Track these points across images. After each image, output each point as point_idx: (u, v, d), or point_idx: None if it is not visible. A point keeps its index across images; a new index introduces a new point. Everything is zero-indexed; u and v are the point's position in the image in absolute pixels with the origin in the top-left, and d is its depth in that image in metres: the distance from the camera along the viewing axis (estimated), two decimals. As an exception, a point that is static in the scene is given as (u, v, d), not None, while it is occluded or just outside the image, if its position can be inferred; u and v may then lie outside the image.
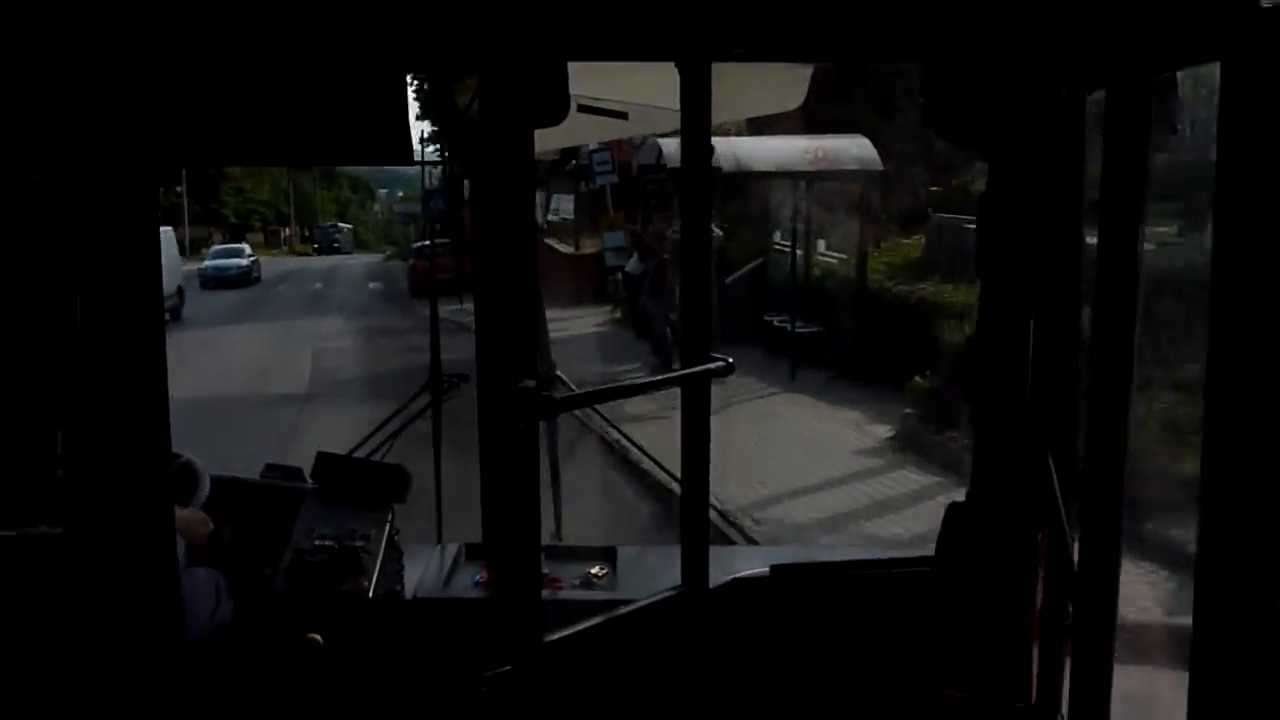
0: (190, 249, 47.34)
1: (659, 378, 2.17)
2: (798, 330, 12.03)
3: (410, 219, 42.91)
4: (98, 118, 1.40)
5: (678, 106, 2.05)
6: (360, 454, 2.97)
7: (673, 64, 2.05)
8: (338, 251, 51.93)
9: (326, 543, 2.32)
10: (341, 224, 60.28)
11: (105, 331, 1.41)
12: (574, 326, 15.53)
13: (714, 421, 2.12)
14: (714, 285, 2.29)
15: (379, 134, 1.84)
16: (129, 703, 1.51)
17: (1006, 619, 2.07)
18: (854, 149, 13.12)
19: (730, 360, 2.17)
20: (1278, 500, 1.48)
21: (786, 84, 2.64)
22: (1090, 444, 1.86)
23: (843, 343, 11.32)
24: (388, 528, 2.39)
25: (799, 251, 12.64)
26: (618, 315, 16.32)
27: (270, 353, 15.77)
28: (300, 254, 53.45)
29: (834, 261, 13.25)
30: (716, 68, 2.08)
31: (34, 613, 1.54)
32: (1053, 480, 2.02)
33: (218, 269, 29.81)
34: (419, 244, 25.04)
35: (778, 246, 13.77)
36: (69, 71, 1.39)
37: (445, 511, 3.47)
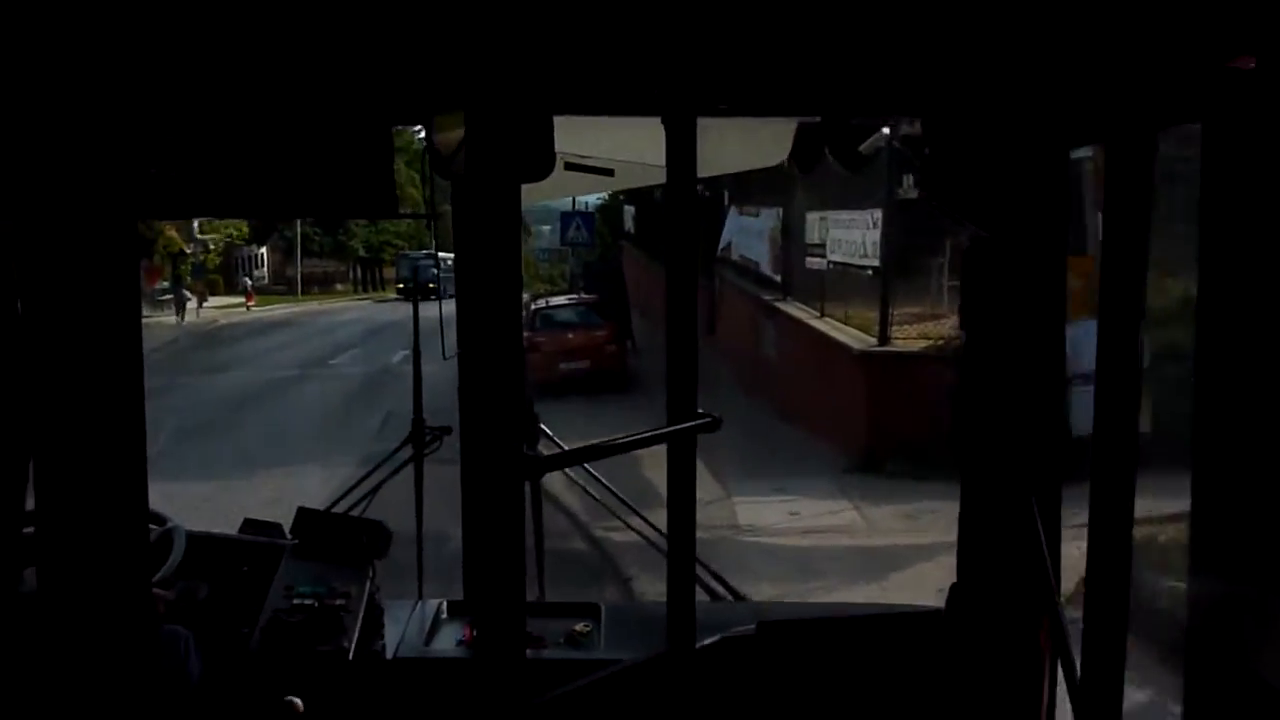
0: (301, 287, 40.44)
1: (645, 434, 2.12)
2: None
3: (555, 255, 36.83)
4: (78, 161, 1.36)
5: (663, 162, 2.02)
6: (341, 509, 2.89)
7: (658, 119, 2.02)
8: (434, 294, 40.99)
9: (305, 601, 2.25)
10: (444, 255, 49.55)
11: (81, 388, 1.36)
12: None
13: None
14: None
15: (364, 186, 1.81)
16: None
17: (1016, 694, 2.02)
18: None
19: (717, 416, 2.12)
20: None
21: (771, 139, 2.62)
22: (1095, 520, 1.82)
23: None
24: (368, 585, 2.31)
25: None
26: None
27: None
28: (382, 299, 40.23)
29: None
30: (701, 122, 2.05)
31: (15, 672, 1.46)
32: (1048, 566, 1.98)
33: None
34: (539, 305, 18.58)
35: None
36: (51, 118, 1.35)
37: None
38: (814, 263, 12.65)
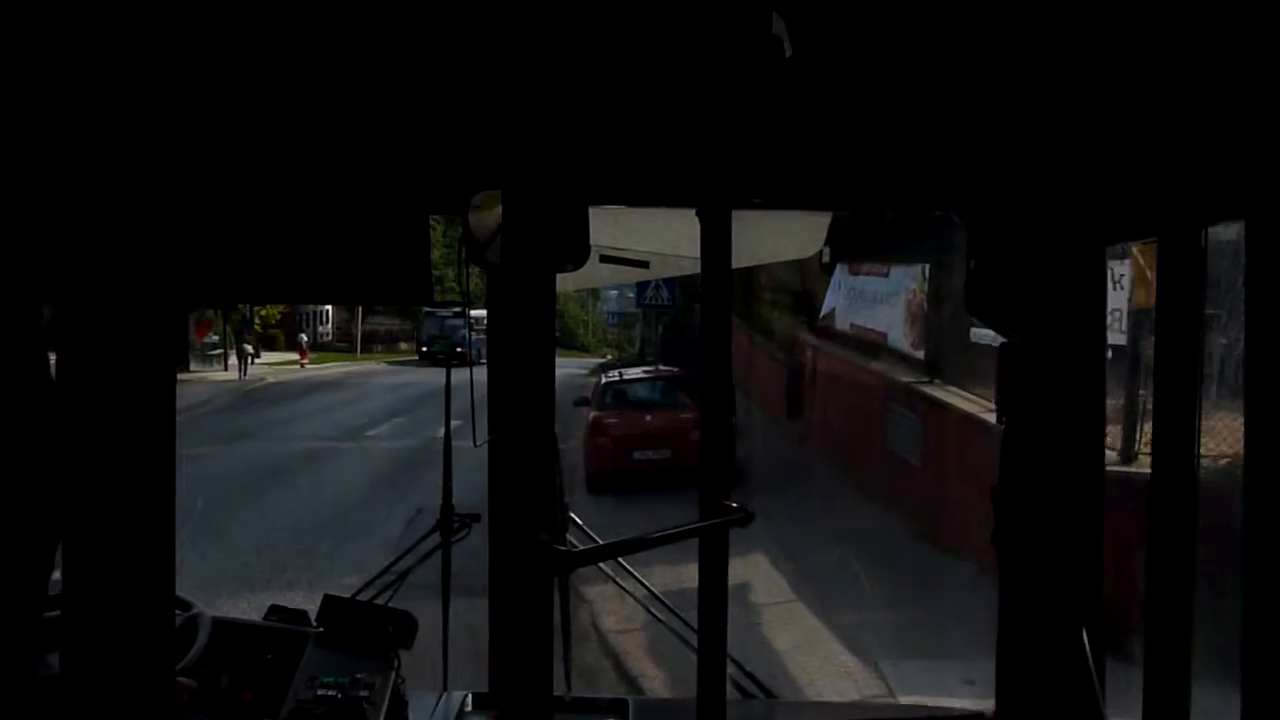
0: (361, 345, 36.65)
1: (677, 529, 2.07)
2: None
3: (625, 319, 33.79)
4: (121, 252, 1.36)
5: (697, 254, 2.01)
6: (365, 596, 2.85)
7: (692, 211, 2.02)
8: (461, 360, 23.24)
9: (329, 692, 2.20)
10: (476, 313, 36.46)
11: (113, 470, 1.35)
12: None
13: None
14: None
15: (401, 273, 1.81)
16: None
17: None
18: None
19: (749, 510, 2.07)
20: None
21: (805, 230, 2.62)
22: (1151, 630, 1.76)
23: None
24: (393, 676, 2.26)
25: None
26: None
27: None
28: (400, 360, 35.61)
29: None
30: (736, 214, 2.04)
31: None
32: (1094, 681, 1.91)
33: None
34: (610, 378, 15.50)
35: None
36: (94, 205, 1.36)
37: None
38: (985, 335, 10.27)
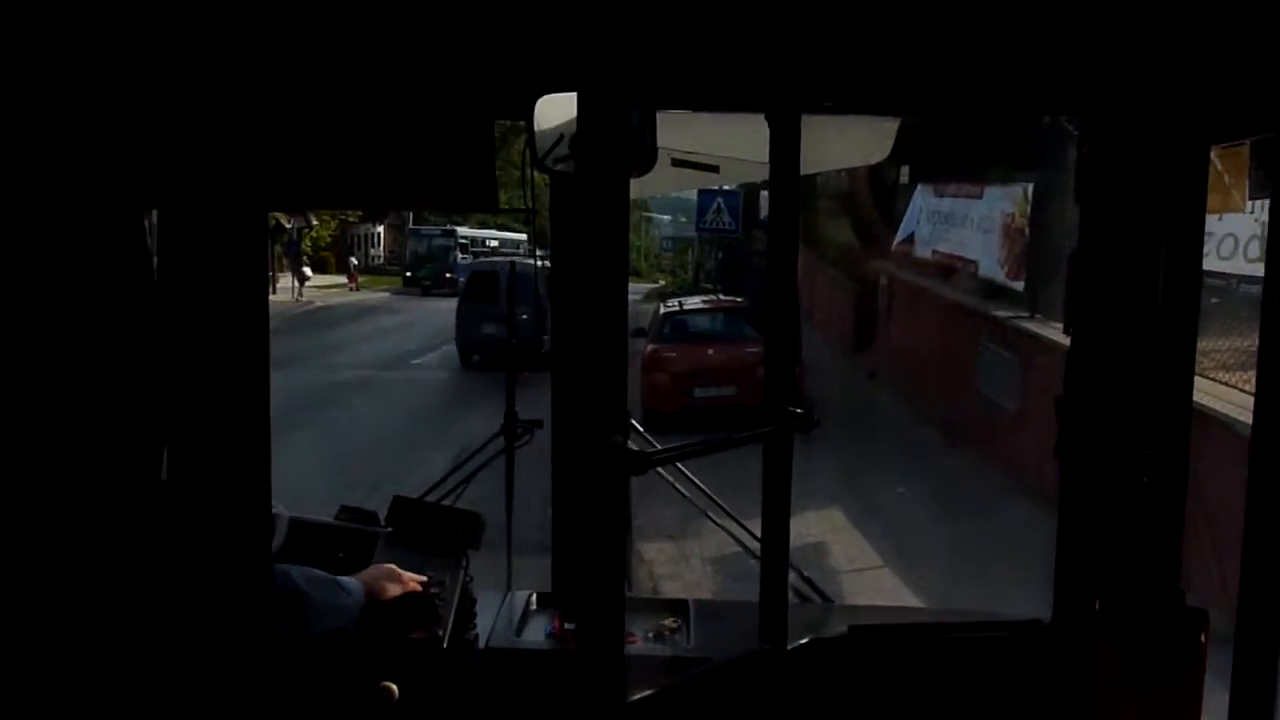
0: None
1: (742, 435, 2.22)
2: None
3: (679, 244, 32.85)
4: (215, 157, 1.50)
5: (765, 158, 2.13)
6: (433, 498, 3.06)
7: (761, 116, 2.13)
8: (451, 288, 28.74)
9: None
10: (487, 233, 33.72)
11: (212, 381, 1.50)
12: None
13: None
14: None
15: (465, 180, 1.92)
16: None
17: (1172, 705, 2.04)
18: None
19: (813, 414, 2.22)
20: None
21: (874, 136, 2.71)
22: (1251, 527, 1.87)
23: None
24: (462, 575, 2.45)
25: None
26: None
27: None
28: (386, 282, 33.37)
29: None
30: (805, 120, 2.15)
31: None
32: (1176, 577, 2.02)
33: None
34: (669, 308, 14.94)
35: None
36: (178, 115, 1.50)
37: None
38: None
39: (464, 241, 33.10)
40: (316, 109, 1.70)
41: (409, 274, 33.78)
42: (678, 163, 2.56)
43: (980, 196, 11.70)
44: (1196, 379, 2.01)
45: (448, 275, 31.64)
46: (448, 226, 32.85)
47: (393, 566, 2.35)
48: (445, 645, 2.34)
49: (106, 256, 1.55)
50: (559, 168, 2.33)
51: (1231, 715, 1.92)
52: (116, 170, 1.55)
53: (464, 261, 31.47)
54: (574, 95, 1.84)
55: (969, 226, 11.84)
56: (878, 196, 13.41)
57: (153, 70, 1.46)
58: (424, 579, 2.36)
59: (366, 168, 1.85)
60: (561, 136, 2.28)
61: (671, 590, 7.09)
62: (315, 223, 32.71)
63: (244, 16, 1.54)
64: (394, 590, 2.31)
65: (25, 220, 1.47)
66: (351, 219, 36.05)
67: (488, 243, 33.63)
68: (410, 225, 34.56)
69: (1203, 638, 1.98)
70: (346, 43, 1.72)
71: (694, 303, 15.62)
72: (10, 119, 1.40)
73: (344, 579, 2.28)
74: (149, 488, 1.61)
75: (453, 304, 19.94)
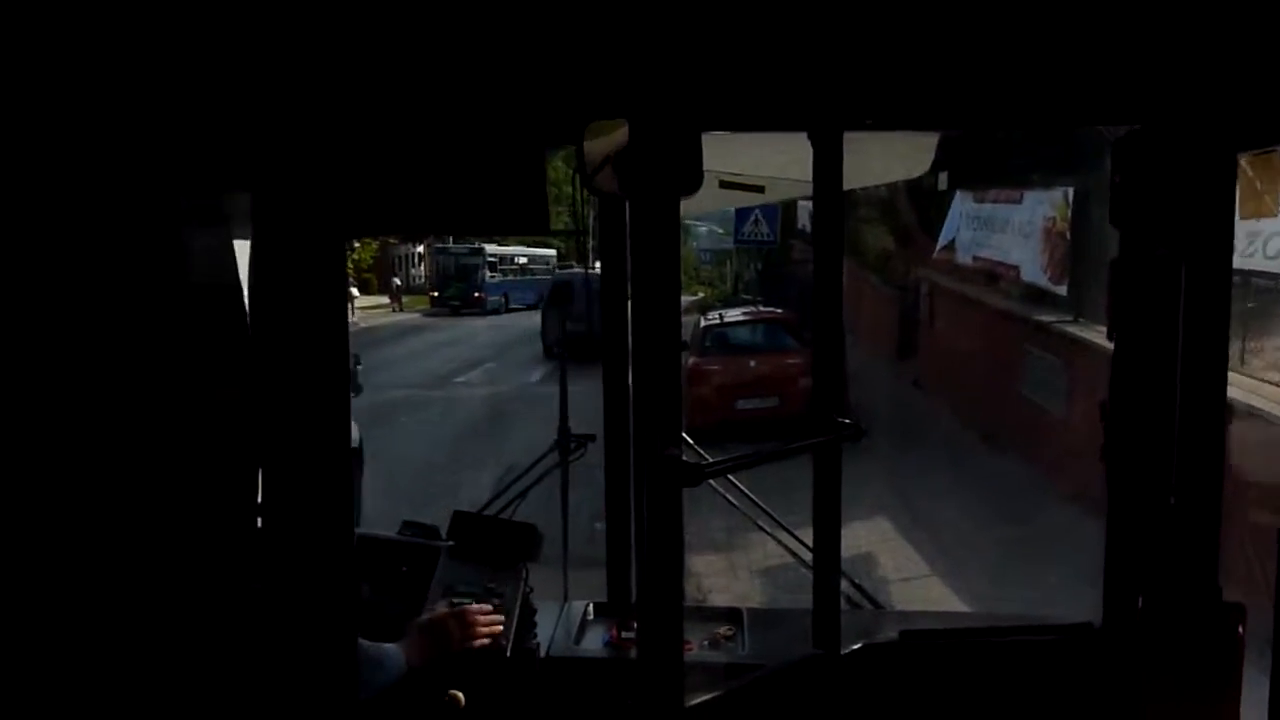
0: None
1: (793, 445, 2.28)
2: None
3: (717, 255, 33.08)
4: (296, 191, 1.58)
5: (808, 176, 2.19)
6: (491, 512, 3.14)
7: (804, 135, 2.19)
8: (479, 307, 30.49)
9: (464, 600, 2.47)
10: (516, 250, 33.04)
11: (298, 401, 1.57)
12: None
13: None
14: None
15: (519, 205, 2.00)
16: None
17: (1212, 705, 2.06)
18: None
19: (860, 424, 2.27)
20: None
21: (914, 151, 2.77)
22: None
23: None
24: (522, 586, 2.53)
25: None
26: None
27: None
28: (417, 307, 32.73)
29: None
30: (846, 136, 2.21)
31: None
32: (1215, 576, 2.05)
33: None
34: (710, 320, 15.09)
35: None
36: (265, 150, 1.59)
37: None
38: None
39: (492, 260, 32.41)
40: (383, 142, 1.79)
41: (436, 294, 33.07)
42: (726, 185, 2.63)
43: (1020, 201, 11.67)
44: (1247, 379, 2.05)
45: (476, 295, 31.26)
46: (476, 245, 31.79)
47: (451, 627, 2.35)
48: (508, 655, 2.42)
49: (201, 283, 1.64)
50: (608, 190, 2.41)
51: (1272, 707, 1.94)
52: (212, 206, 1.65)
53: (492, 279, 31.70)
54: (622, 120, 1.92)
55: (1010, 231, 11.81)
56: (917, 204, 13.41)
57: (248, 108, 1.55)
58: (490, 623, 2.36)
59: (430, 196, 1.93)
60: (609, 159, 2.36)
61: (721, 601, 7.14)
62: (357, 244, 32.29)
63: (313, 57, 1.63)
64: (441, 649, 2.32)
65: (139, 254, 1.56)
66: (392, 241, 36.10)
67: (516, 260, 33.09)
68: (436, 244, 33.30)
69: (1240, 630, 2.00)
70: (409, 79, 1.81)
71: (734, 315, 15.68)
72: (105, 155, 1.51)
73: (385, 648, 2.28)
74: (246, 510, 1.70)
75: (483, 323, 19.76)
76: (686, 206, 2.12)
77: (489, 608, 2.40)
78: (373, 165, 1.84)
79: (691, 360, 13.41)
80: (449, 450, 12.35)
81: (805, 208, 18.34)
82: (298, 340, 1.56)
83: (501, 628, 2.39)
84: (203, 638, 1.62)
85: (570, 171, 2.51)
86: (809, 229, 19.08)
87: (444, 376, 18.86)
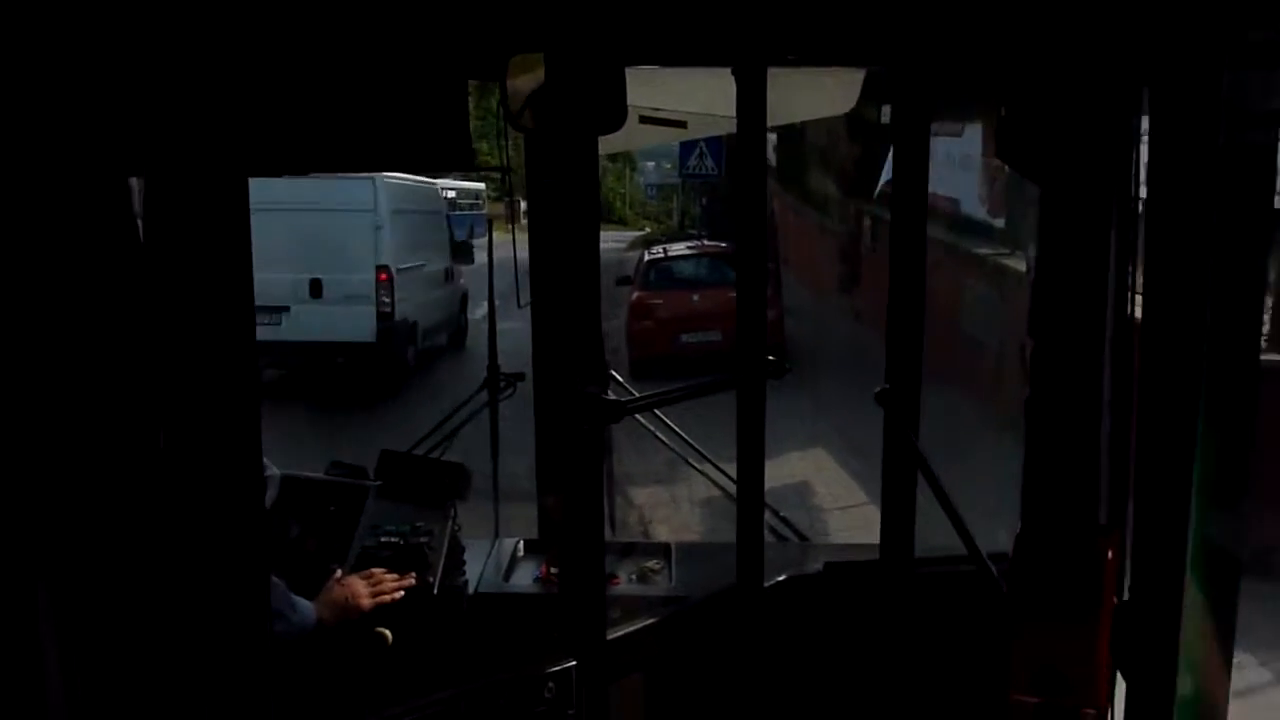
0: None
1: (715, 381, 2.29)
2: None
3: (663, 191, 32.79)
4: (192, 126, 1.53)
5: (733, 112, 2.17)
6: (420, 451, 3.14)
7: (728, 70, 2.17)
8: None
9: (391, 539, 2.48)
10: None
11: (200, 343, 1.55)
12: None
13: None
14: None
15: (440, 139, 1.95)
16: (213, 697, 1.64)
17: (1077, 627, 2.13)
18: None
19: (784, 361, 2.29)
20: None
21: (840, 86, 2.75)
22: (1145, 452, 1.94)
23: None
24: (450, 524, 2.54)
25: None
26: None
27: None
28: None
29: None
30: (771, 72, 2.19)
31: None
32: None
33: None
34: (654, 254, 14.90)
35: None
36: (157, 84, 1.53)
37: None
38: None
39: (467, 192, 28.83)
40: (292, 74, 1.73)
41: None
42: (646, 120, 2.60)
43: (961, 135, 11.43)
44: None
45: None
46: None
47: (358, 589, 2.35)
48: (435, 592, 2.43)
49: (95, 227, 1.59)
50: (531, 127, 2.37)
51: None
52: (99, 140, 1.59)
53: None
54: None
55: (951, 165, 11.52)
56: (862, 139, 13.31)
57: (131, 41, 1.49)
58: (398, 587, 2.36)
59: (344, 131, 1.88)
60: (533, 94, 2.32)
61: (662, 533, 7.24)
62: None
63: None
64: (350, 612, 2.33)
65: (8, 196, 1.51)
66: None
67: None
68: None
69: (1110, 555, 2.05)
70: (320, 8, 1.75)
71: (678, 249, 15.54)
72: None
73: (301, 605, 2.29)
74: (149, 457, 1.67)
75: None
76: (607, 144, 2.10)
77: (395, 576, 2.39)
78: (280, 98, 1.78)
79: (635, 294, 13.44)
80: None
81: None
82: (199, 281, 1.52)
83: (412, 582, 2.39)
84: (111, 579, 1.60)
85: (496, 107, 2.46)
86: (774, 164, 18.00)
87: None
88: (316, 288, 12.02)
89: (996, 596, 2.34)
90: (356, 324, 12.00)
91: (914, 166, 2.24)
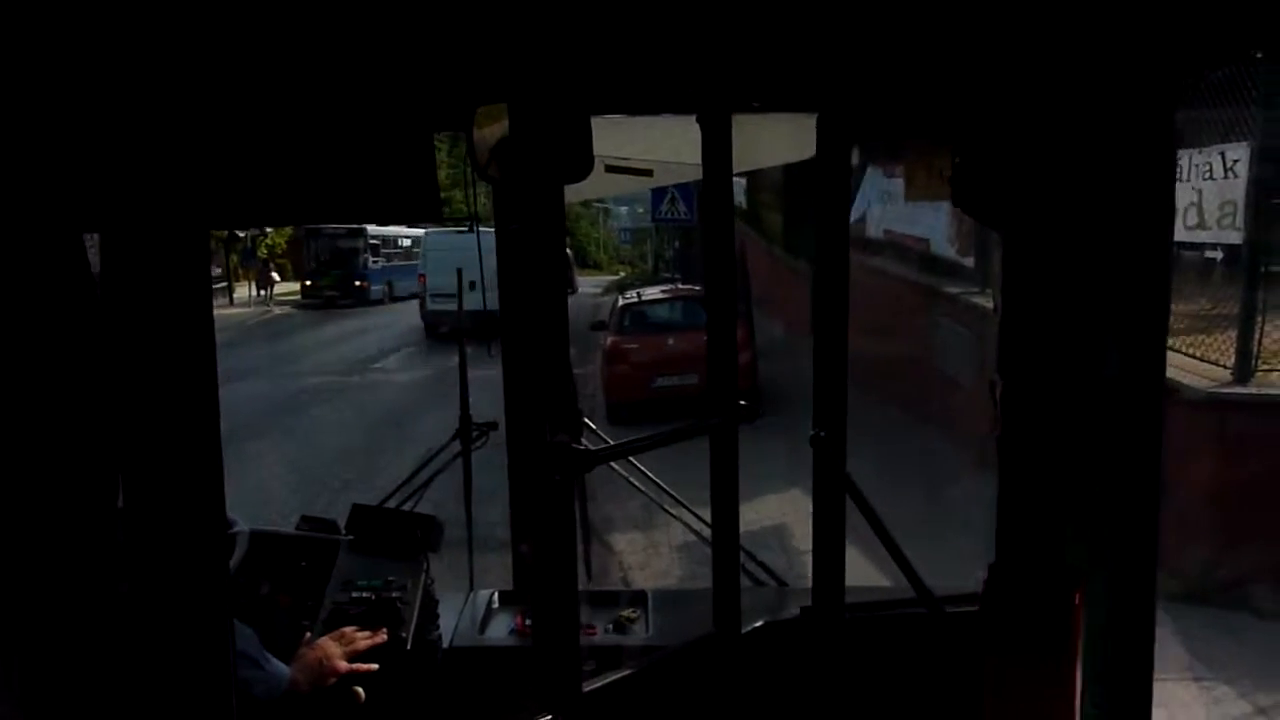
0: None
1: (687, 426, 2.28)
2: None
3: (637, 235, 33.99)
4: (150, 179, 1.51)
5: (698, 160, 2.19)
6: (392, 504, 3.10)
7: (693, 118, 2.19)
8: (360, 298, 26.59)
9: (364, 594, 2.44)
10: (399, 231, 27.40)
11: (160, 399, 1.52)
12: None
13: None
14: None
15: (408, 192, 1.95)
16: None
17: (1048, 673, 2.12)
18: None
19: (755, 406, 2.28)
20: None
21: (800, 132, 2.77)
22: (1116, 495, 1.94)
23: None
24: (423, 577, 2.50)
25: None
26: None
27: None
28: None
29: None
30: (735, 119, 2.21)
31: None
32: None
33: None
34: (628, 299, 14.99)
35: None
36: (114, 135, 1.51)
37: None
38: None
39: (375, 242, 27.82)
40: (255, 127, 1.72)
41: (308, 282, 27.51)
42: (612, 169, 2.62)
43: None
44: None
45: (357, 283, 26.86)
46: (353, 228, 26.14)
47: (331, 650, 2.31)
48: (409, 647, 2.39)
49: (49, 284, 1.57)
50: (497, 178, 2.38)
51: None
52: (54, 193, 1.57)
53: (375, 265, 27.69)
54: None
55: (920, 205, 11.67)
56: (828, 181, 13.64)
57: (88, 90, 1.47)
58: (371, 645, 2.32)
59: (308, 183, 1.87)
60: (498, 145, 2.33)
61: (641, 579, 7.18)
62: (270, 230, 29.93)
63: (178, 35, 1.56)
64: (325, 675, 2.28)
65: None
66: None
67: (400, 242, 28.35)
68: (306, 229, 26.96)
69: (1077, 598, 2.04)
70: (284, 60, 1.75)
71: (652, 293, 15.55)
72: None
73: (274, 663, 2.24)
74: (106, 511, 1.64)
75: (368, 320, 19.52)
76: (574, 192, 2.11)
77: (367, 634, 2.35)
78: (243, 150, 1.77)
79: (610, 339, 13.46)
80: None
81: (738, 183, 18.15)
82: (157, 335, 1.50)
83: (384, 639, 2.35)
84: (69, 640, 1.56)
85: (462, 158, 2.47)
86: (745, 206, 18.12)
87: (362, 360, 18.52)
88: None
89: (944, 634, 2.33)
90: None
91: (834, 219, 2.26)
